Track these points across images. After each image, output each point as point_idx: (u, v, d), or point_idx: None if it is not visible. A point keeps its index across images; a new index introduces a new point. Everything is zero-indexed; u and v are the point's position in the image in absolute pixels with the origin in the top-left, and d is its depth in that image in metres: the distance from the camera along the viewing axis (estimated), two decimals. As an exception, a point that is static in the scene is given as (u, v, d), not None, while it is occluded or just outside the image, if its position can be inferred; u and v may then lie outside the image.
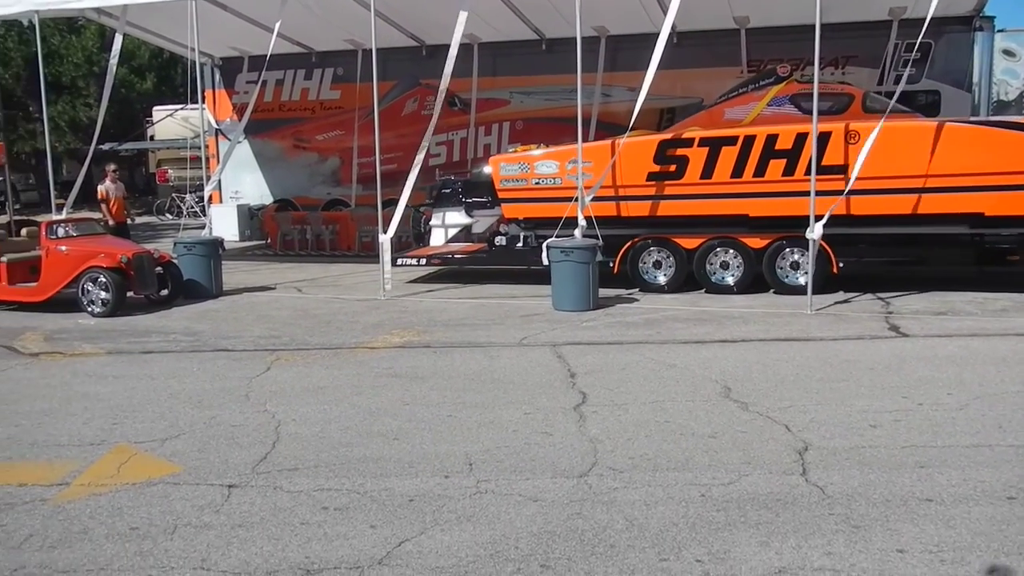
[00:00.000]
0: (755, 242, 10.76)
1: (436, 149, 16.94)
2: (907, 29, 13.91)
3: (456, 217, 13.08)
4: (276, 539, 4.19)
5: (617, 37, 15.46)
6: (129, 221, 15.63)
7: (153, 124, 28.75)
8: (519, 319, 9.63)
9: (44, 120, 13.76)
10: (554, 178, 11.29)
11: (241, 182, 18.51)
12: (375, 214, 12.09)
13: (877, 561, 3.83)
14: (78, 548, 4.15)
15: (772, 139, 10.43)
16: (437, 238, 13.32)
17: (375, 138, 11.49)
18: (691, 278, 11.06)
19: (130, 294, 10.64)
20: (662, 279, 11.19)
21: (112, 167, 14.99)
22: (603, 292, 10.42)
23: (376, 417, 6.13)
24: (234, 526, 4.35)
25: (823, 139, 10.07)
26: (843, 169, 9.96)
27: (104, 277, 10.36)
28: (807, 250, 10.36)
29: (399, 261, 12.07)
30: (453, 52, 11.07)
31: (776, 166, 10.42)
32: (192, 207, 24.43)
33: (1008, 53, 17.13)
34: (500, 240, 12.17)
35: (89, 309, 10.42)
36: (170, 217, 26.35)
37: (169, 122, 26.58)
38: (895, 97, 9.90)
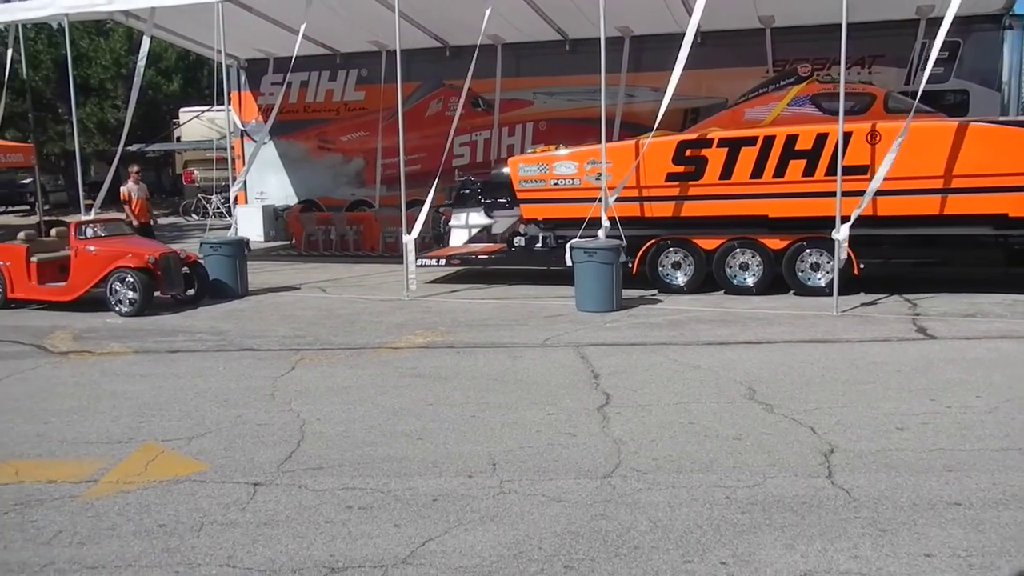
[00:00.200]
0: (775, 243, 10.70)
1: (459, 150, 16.98)
2: (935, 28, 13.72)
3: (475, 218, 13.11)
4: (301, 537, 4.22)
5: (641, 37, 15.41)
6: (152, 222, 15.79)
7: (180, 125, 29.03)
8: (542, 320, 9.63)
9: (73, 122, 13.94)
10: (573, 179, 11.29)
11: (266, 183, 18.65)
12: (399, 215, 12.13)
13: (904, 565, 3.79)
14: (106, 544, 4.20)
15: (792, 139, 10.37)
16: (456, 238, 13.35)
17: (399, 139, 11.54)
18: (710, 279, 11.01)
19: (157, 294, 10.76)
20: (681, 280, 11.15)
21: (135, 168, 15.14)
22: (626, 293, 10.39)
23: (400, 417, 6.16)
24: (259, 524, 4.38)
25: (844, 139, 9.99)
26: (865, 170, 9.87)
27: (132, 277, 10.48)
28: (827, 251, 10.33)
29: (419, 261, 12.11)
30: (477, 49, 11.06)
31: (796, 167, 10.36)
32: (218, 208, 24.64)
33: (1038, 51, 16.89)
34: (519, 241, 12.18)
35: (117, 308, 10.55)
36: (196, 218, 26.60)
37: (195, 123, 26.83)
38: (918, 97, 9.76)
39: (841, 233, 9.45)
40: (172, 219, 28.23)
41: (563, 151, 11.64)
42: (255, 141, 15.27)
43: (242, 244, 12.07)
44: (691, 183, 10.80)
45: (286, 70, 14.23)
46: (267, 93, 18.16)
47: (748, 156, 10.53)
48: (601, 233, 10.21)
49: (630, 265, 10.97)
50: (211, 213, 25.17)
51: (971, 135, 9.79)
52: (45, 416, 6.42)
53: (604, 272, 9.92)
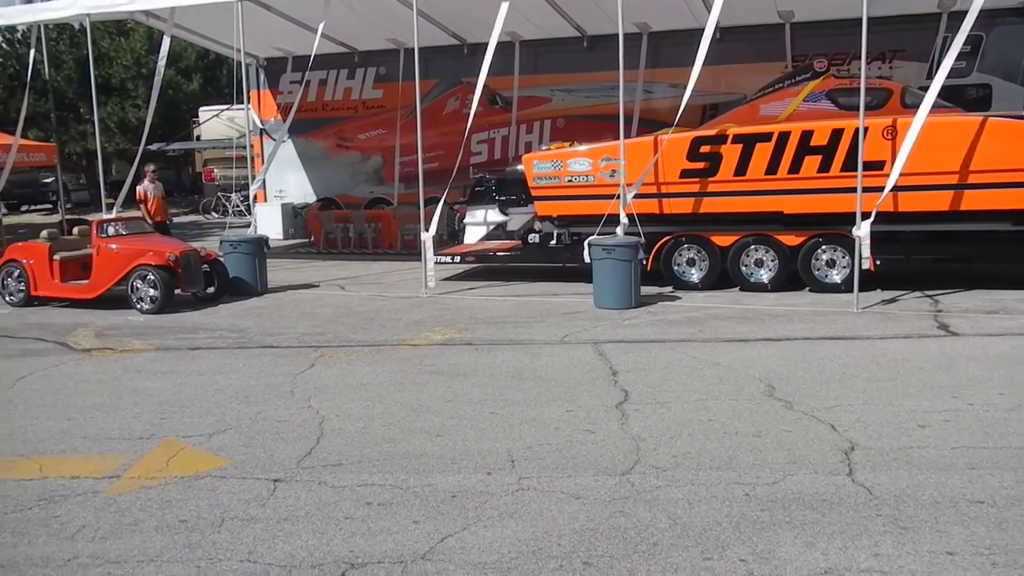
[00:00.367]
0: (790, 239, 10.64)
1: (477, 147, 17.02)
2: (957, 22, 13.57)
3: (490, 215, 13.12)
4: (320, 533, 4.24)
5: (659, 33, 15.37)
6: (168, 221, 15.89)
7: (199, 124, 29.23)
8: (561, 317, 9.63)
9: (95, 121, 14.07)
10: (587, 176, 11.28)
11: (285, 181, 18.76)
12: (417, 212, 12.15)
13: (926, 563, 3.76)
14: (129, 539, 4.24)
15: (807, 135, 10.31)
16: (471, 236, 13.37)
17: (417, 137, 11.56)
18: (725, 276, 10.97)
19: (178, 291, 10.84)
20: (696, 277, 11.11)
21: (151, 167, 15.24)
22: (644, 290, 10.37)
23: (419, 413, 6.17)
24: (279, 520, 4.41)
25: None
26: (882, 165, 9.79)
27: (153, 275, 10.56)
28: (843, 248, 10.30)
29: (435, 258, 12.12)
30: (492, 43, 11.05)
31: (811, 162, 10.29)
32: (237, 206, 24.78)
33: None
34: (534, 238, 12.19)
35: (138, 306, 10.64)
36: (216, 216, 26.77)
37: (215, 122, 27.00)
38: (936, 91, 9.62)
39: (862, 230, 9.38)
40: (192, 217, 28.44)
41: (578, 148, 11.63)
42: (274, 139, 15.39)
43: (261, 242, 12.13)
44: (706, 179, 10.76)
45: (305, 68, 14.28)
46: (286, 92, 18.27)
47: (763, 152, 10.48)
48: (619, 230, 10.19)
49: (644, 262, 10.95)
50: (231, 211, 25.30)
51: (989, 130, 9.69)
52: (68, 412, 6.49)
53: (622, 269, 9.90)
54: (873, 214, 9.39)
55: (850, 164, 10.03)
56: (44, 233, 11.80)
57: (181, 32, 15.81)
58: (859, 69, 9.83)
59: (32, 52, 14.69)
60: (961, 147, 9.74)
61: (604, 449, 5.31)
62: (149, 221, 14.38)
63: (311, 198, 18.60)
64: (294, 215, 18.17)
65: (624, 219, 10.21)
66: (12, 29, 28.83)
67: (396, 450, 5.41)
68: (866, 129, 9.86)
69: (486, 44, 11.45)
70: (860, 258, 9.55)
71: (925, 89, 9.90)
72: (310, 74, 15.31)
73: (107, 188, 14.10)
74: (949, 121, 10.00)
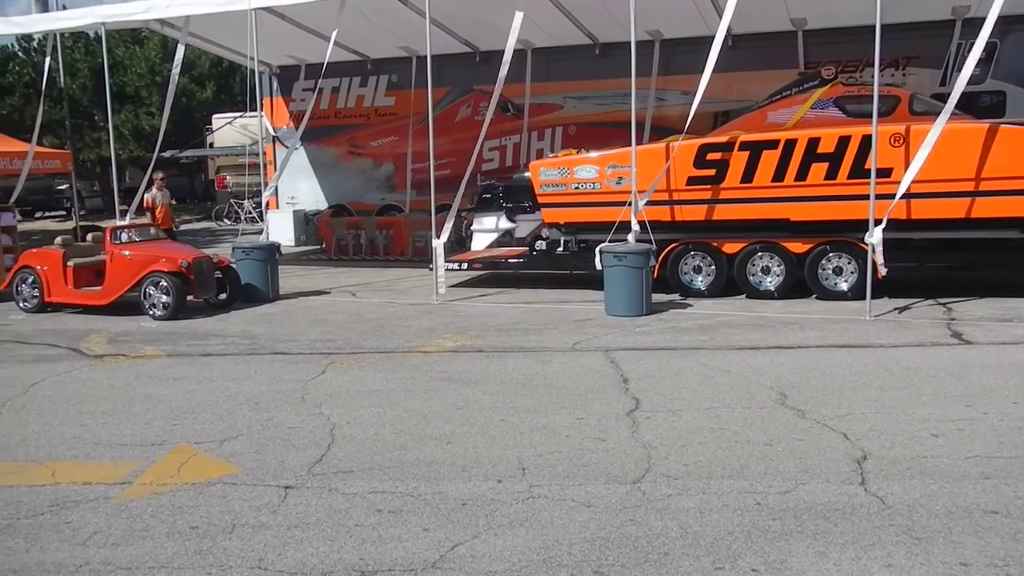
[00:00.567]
0: (797, 247, 10.62)
1: (489, 154, 17.03)
2: (971, 28, 13.53)
3: (497, 222, 13.15)
4: (331, 540, 4.24)
5: (671, 41, 15.36)
6: (174, 228, 15.98)
7: (213, 132, 29.39)
8: (572, 324, 9.61)
9: (109, 129, 14.16)
10: (594, 183, 11.29)
11: (297, 188, 18.83)
12: (428, 219, 12.18)
13: (939, 575, 3.73)
14: (140, 546, 4.25)
15: (814, 142, 10.29)
16: (479, 243, 13.40)
17: (429, 144, 11.58)
18: (731, 283, 10.94)
19: (190, 298, 10.89)
20: (702, 284, 11.10)
21: (159, 175, 15.31)
22: (655, 297, 10.35)
23: (429, 421, 6.17)
24: (290, 527, 4.41)
25: (867, 142, 9.91)
26: (889, 173, 9.75)
27: (165, 281, 10.62)
28: (850, 255, 10.29)
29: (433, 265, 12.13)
30: (509, 52, 11.08)
31: (818, 170, 10.28)
32: (250, 213, 24.90)
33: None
34: (540, 245, 12.21)
35: (151, 312, 10.69)
36: (228, 223, 26.88)
37: (228, 130, 27.14)
38: (954, 101, 9.57)
39: (875, 237, 9.34)
40: (204, 224, 28.59)
41: (585, 155, 11.66)
42: (287, 147, 15.45)
43: (273, 248, 12.17)
44: (712, 187, 10.76)
45: (317, 76, 14.35)
46: (299, 99, 18.35)
47: (770, 159, 10.49)
48: (631, 237, 10.18)
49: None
50: (243, 218, 25.45)
51: (1000, 137, 9.64)
52: (81, 418, 6.52)
53: (634, 276, 9.88)
54: (885, 221, 9.34)
55: (857, 171, 10.03)
56: (58, 240, 11.87)
57: (195, 40, 15.91)
58: (872, 76, 9.80)
59: (48, 60, 14.82)
60: (972, 154, 9.70)
61: (615, 457, 5.29)
62: (156, 228, 14.48)
63: (323, 205, 18.67)
64: (306, 222, 18.24)
65: (636, 226, 10.19)
66: (28, 38, 29.10)
67: (407, 457, 5.41)
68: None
69: (498, 52, 11.48)
70: (871, 265, 9.51)
71: (939, 96, 9.87)
72: (323, 82, 15.39)
73: (121, 195, 14.18)
74: (960, 128, 9.95)
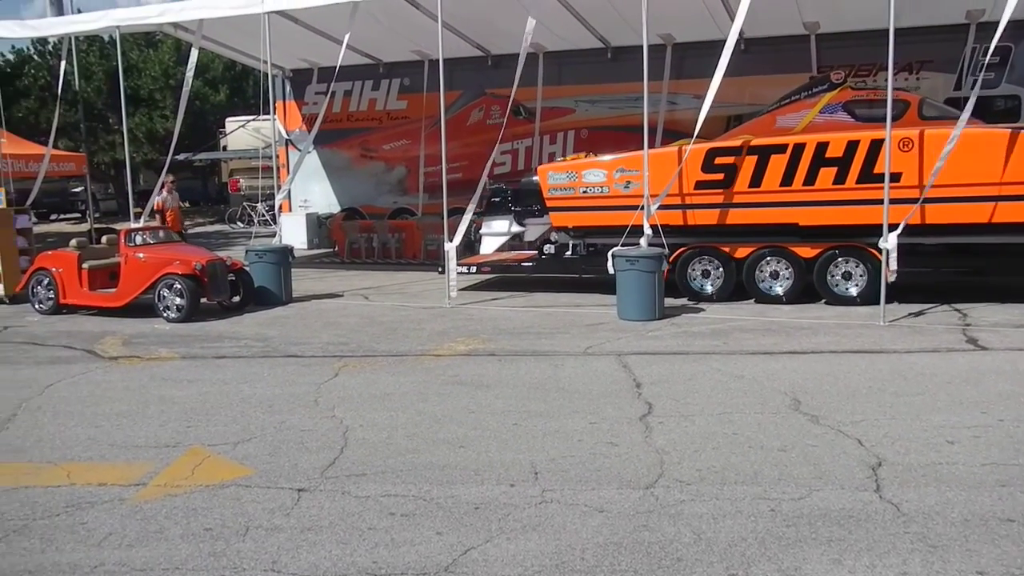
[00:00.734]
0: (806, 251, 10.59)
1: (501, 158, 17.03)
2: (985, 32, 13.48)
3: (506, 225, 13.17)
4: (344, 543, 4.25)
5: (683, 44, 15.34)
6: (183, 231, 16.05)
7: (226, 135, 29.53)
8: (584, 328, 9.61)
9: (123, 132, 14.24)
10: (602, 187, 11.29)
11: (310, 191, 18.89)
12: (440, 223, 12.20)
13: (956, 582, 3.71)
14: (154, 547, 4.27)
15: (823, 147, 10.27)
16: (487, 246, 13.42)
17: (442, 147, 11.60)
18: (740, 288, 10.92)
19: (204, 300, 10.93)
20: (710, 288, 11.08)
21: (170, 178, 15.37)
22: (667, 302, 10.33)
23: (442, 424, 6.18)
24: (303, 529, 4.43)
25: (876, 147, 9.89)
26: (898, 177, 9.72)
27: (179, 284, 10.66)
28: (859, 260, 10.28)
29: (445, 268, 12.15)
30: (522, 57, 11.11)
31: (827, 174, 10.27)
32: (263, 215, 24.99)
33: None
34: (549, 248, 12.22)
35: (165, 314, 10.74)
36: (241, 225, 26.98)
37: (241, 133, 27.28)
38: (971, 107, 9.51)
39: (890, 242, 9.30)
40: (217, 227, 28.71)
41: (593, 159, 11.68)
42: (299, 150, 15.52)
43: (286, 251, 12.21)
44: (721, 191, 10.75)
45: (330, 80, 14.39)
46: (311, 103, 18.42)
47: (778, 164, 10.47)
48: (643, 241, 10.17)
49: None
50: (256, 221, 25.54)
51: (1016, 142, 9.59)
52: (96, 420, 6.55)
53: (646, 280, 9.87)
54: (901, 226, 9.30)
55: (866, 176, 10.02)
56: (73, 242, 11.95)
57: (209, 44, 15.99)
58: (885, 80, 9.76)
59: (63, 63, 14.93)
60: (987, 159, 9.66)
61: (628, 462, 5.28)
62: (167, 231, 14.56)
63: (335, 208, 18.72)
64: (319, 225, 18.29)
65: (648, 230, 10.18)
66: (44, 41, 29.32)
67: (419, 461, 5.42)
68: (882, 141, 9.82)
69: (510, 55, 11.51)
70: (886, 270, 9.47)
71: (953, 100, 9.82)
72: (335, 85, 15.42)
73: (135, 197, 14.25)
74: (973, 133, 9.89)
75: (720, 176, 10.74)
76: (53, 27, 15.13)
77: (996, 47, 9.23)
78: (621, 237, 10.34)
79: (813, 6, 13.54)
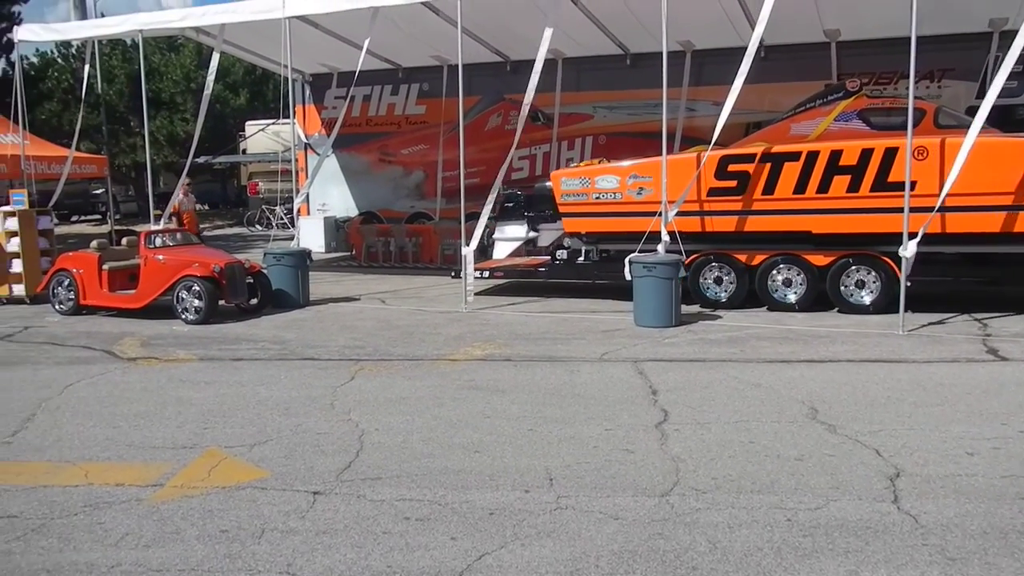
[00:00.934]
0: (819, 259, 10.55)
1: (519, 163, 17.05)
2: (1009, 40, 13.35)
3: (519, 230, 13.18)
4: (359, 547, 4.25)
5: (703, 51, 15.32)
6: (198, 234, 16.16)
7: (246, 138, 29.73)
8: (600, 334, 9.59)
9: (145, 134, 14.37)
10: (615, 193, 11.29)
11: (328, 195, 18.97)
12: (458, 227, 12.21)
13: (975, 595, 3.67)
14: (171, 548, 4.30)
15: (836, 155, 10.23)
16: (501, 251, 13.43)
17: (460, 152, 11.63)
18: (752, 295, 10.88)
19: (222, 302, 10.99)
20: (723, 295, 11.04)
21: (186, 181, 15.49)
22: (684, 308, 10.30)
23: (457, 429, 6.18)
24: (319, 532, 4.44)
25: (890, 155, 9.83)
26: (913, 186, 9.63)
27: (198, 286, 10.73)
28: (872, 269, 10.23)
29: (461, 273, 12.17)
30: (538, 67, 11.13)
31: (840, 182, 10.23)
32: (281, 219, 25.13)
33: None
34: (562, 254, 12.22)
35: (183, 316, 10.81)
36: (260, 228, 27.15)
37: (261, 136, 27.45)
38: (984, 114, 9.41)
39: (909, 250, 9.23)
40: (236, 229, 28.88)
41: (606, 165, 11.68)
42: (318, 154, 15.58)
43: (304, 255, 12.27)
44: (734, 198, 10.72)
45: (349, 84, 14.46)
46: (330, 107, 18.51)
47: (791, 171, 10.45)
48: (661, 248, 10.15)
49: None
50: (274, 224, 25.69)
51: None
52: (114, 420, 6.60)
53: (663, 287, 9.84)
54: (920, 234, 9.23)
55: (880, 184, 9.98)
56: (94, 243, 12.05)
57: (230, 48, 16.12)
58: (906, 88, 9.70)
59: (87, 67, 15.08)
60: (1001, 168, 9.59)
61: (643, 469, 5.27)
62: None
63: (353, 212, 18.80)
64: (336, 229, 18.36)
65: (666, 237, 10.16)
66: (67, 44, 29.64)
67: (434, 465, 5.42)
68: (896, 149, 9.78)
69: (529, 61, 11.51)
70: (905, 278, 9.38)
71: (975, 109, 9.73)
72: (355, 90, 15.50)
73: (155, 200, 14.37)
74: (990, 142, 9.80)
75: (733, 183, 10.71)
76: (77, 31, 15.30)
77: (1019, 55, 9.13)
78: (634, 243, 10.33)
79: (834, 13, 13.48)
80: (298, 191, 13.93)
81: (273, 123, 26.07)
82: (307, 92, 18.97)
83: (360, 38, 12.88)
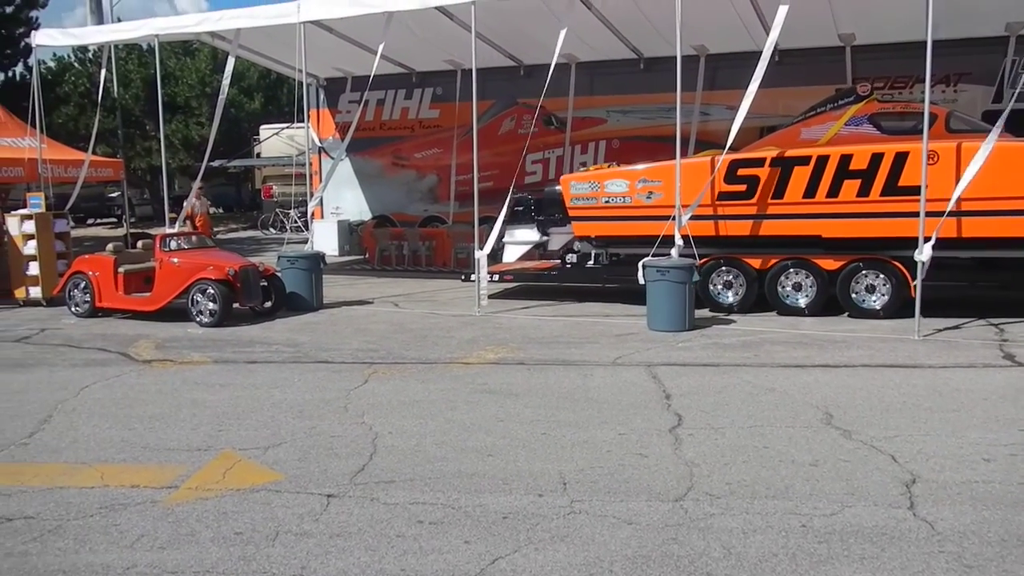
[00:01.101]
0: (829, 264, 10.51)
1: (532, 167, 17.06)
2: (1025, 45, 13.33)
3: (529, 234, 13.20)
4: (373, 550, 4.26)
5: (717, 56, 15.28)
6: (211, 237, 16.21)
7: (260, 142, 29.87)
8: (613, 338, 9.58)
9: (160, 138, 14.45)
10: (624, 197, 11.29)
11: (342, 198, 19.03)
12: (471, 231, 12.23)
13: (992, 603, 3.64)
14: (186, 550, 4.31)
15: (846, 159, 10.20)
16: (510, 255, 13.44)
17: (473, 156, 11.65)
18: (762, 299, 10.84)
19: (236, 305, 11.05)
20: (732, 300, 11.01)
21: (199, 184, 15.58)
22: (698, 313, 10.27)
23: (470, 432, 6.18)
24: (332, 535, 4.45)
25: (901, 159, 9.79)
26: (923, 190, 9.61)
27: (212, 289, 10.78)
28: (883, 273, 10.19)
29: (472, 276, 12.18)
30: (552, 68, 11.13)
31: (850, 186, 10.19)
32: (295, 222, 25.22)
33: None
34: (571, 257, 12.22)
35: (198, 319, 10.86)
36: (274, 232, 27.27)
37: (275, 140, 27.58)
38: (1004, 120, 9.34)
39: (924, 254, 9.18)
40: (250, 233, 29.01)
41: (616, 169, 11.69)
42: (332, 158, 15.64)
43: (318, 258, 12.31)
44: (743, 202, 10.70)
45: (363, 88, 14.51)
46: (344, 111, 18.58)
47: (801, 175, 10.42)
48: (674, 252, 10.13)
49: None
50: (288, 227, 25.80)
51: None
52: (129, 422, 6.64)
53: (677, 291, 9.82)
54: (934, 238, 9.18)
55: (890, 188, 9.94)
56: (110, 246, 12.13)
57: (245, 53, 16.18)
58: (922, 92, 9.65)
59: (103, 71, 15.18)
60: (1013, 172, 9.53)
61: (657, 474, 5.25)
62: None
63: (367, 215, 18.85)
64: (350, 232, 18.42)
65: (679, 241, 10.14)
66: (84, 48, 29.88)
67: (448, 469, 5.42)
68: (907, 154, 9.74)
69: (542, 65, 11.53)
70: (920, 283, 9.32)
71: (992, 113, 9.68)
72: (368, 94, 15.58)
73: (170, 203, 14.46)
74: (1001, 147, 9.72)
75: (743, 187, 10.70)
76: (94, 35, 15.41)
77: None
78: (644, 247, 10.33)
79: (849, 17, 13.42)
80: (312, 195, 13.97)
81: (287, 127, 26.21)
82: (321, 96, 19.05)
83: (374, 43, 12.92)
